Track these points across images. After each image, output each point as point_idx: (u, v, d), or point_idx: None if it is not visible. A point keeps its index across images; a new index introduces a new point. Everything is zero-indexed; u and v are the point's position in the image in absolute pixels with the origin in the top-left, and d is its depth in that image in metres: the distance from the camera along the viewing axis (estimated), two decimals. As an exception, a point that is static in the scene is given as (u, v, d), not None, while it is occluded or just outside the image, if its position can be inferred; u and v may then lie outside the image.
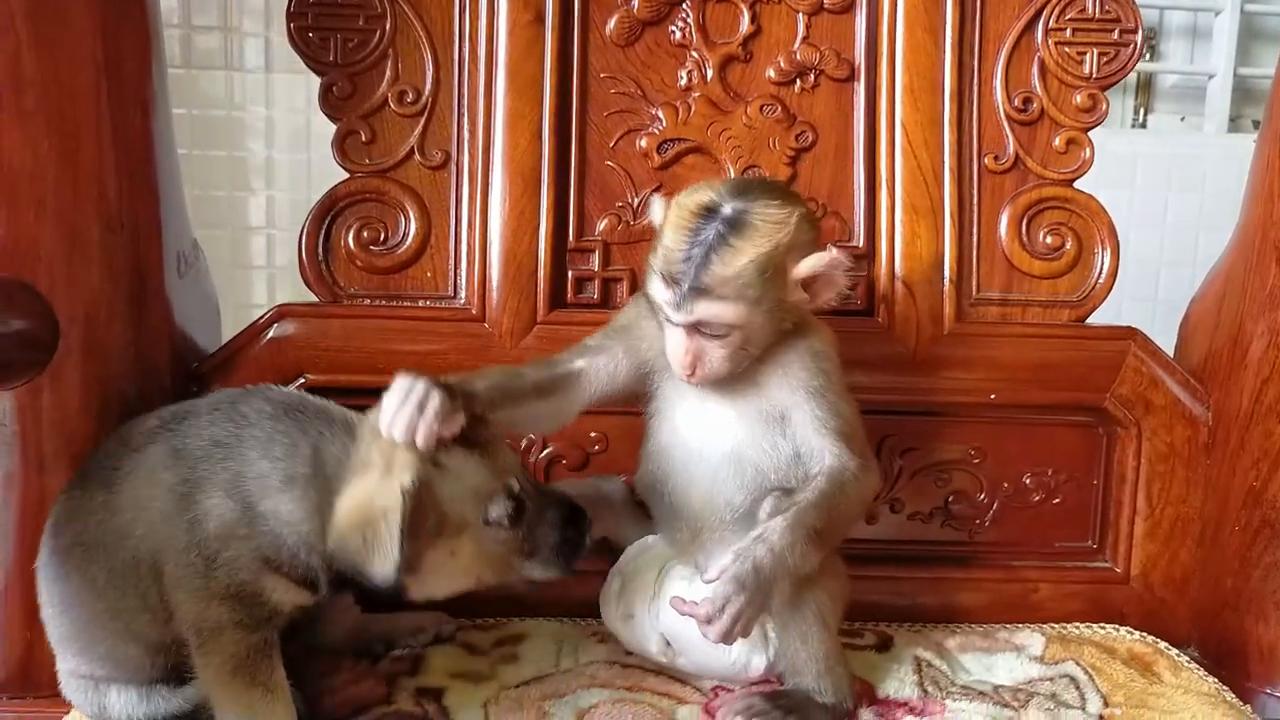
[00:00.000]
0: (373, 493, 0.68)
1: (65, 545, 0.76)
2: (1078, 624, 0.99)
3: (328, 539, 0.70)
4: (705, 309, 0.75)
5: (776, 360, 0.80)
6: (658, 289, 0.76)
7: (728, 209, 0.75)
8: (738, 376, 0.80)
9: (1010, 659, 0.90)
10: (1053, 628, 0.97)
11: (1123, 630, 0.98)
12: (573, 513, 0.77)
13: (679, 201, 0.78)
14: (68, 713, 0.81)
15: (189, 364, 0.96)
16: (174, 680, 0.77)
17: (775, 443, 0.81)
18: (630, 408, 0.89)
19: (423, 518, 0.68)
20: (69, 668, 0.79)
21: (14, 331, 0.81)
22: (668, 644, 0.84)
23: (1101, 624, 0.99)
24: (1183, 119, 1.92)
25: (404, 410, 0.69)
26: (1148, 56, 1.91)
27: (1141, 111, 2.01)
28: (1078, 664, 0.89)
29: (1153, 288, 1.90)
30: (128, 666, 0.77)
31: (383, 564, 0.67)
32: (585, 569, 0.91)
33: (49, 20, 0.80)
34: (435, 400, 0.69)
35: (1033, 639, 0.94)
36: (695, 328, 0.76)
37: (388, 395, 0.71)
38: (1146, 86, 2.01)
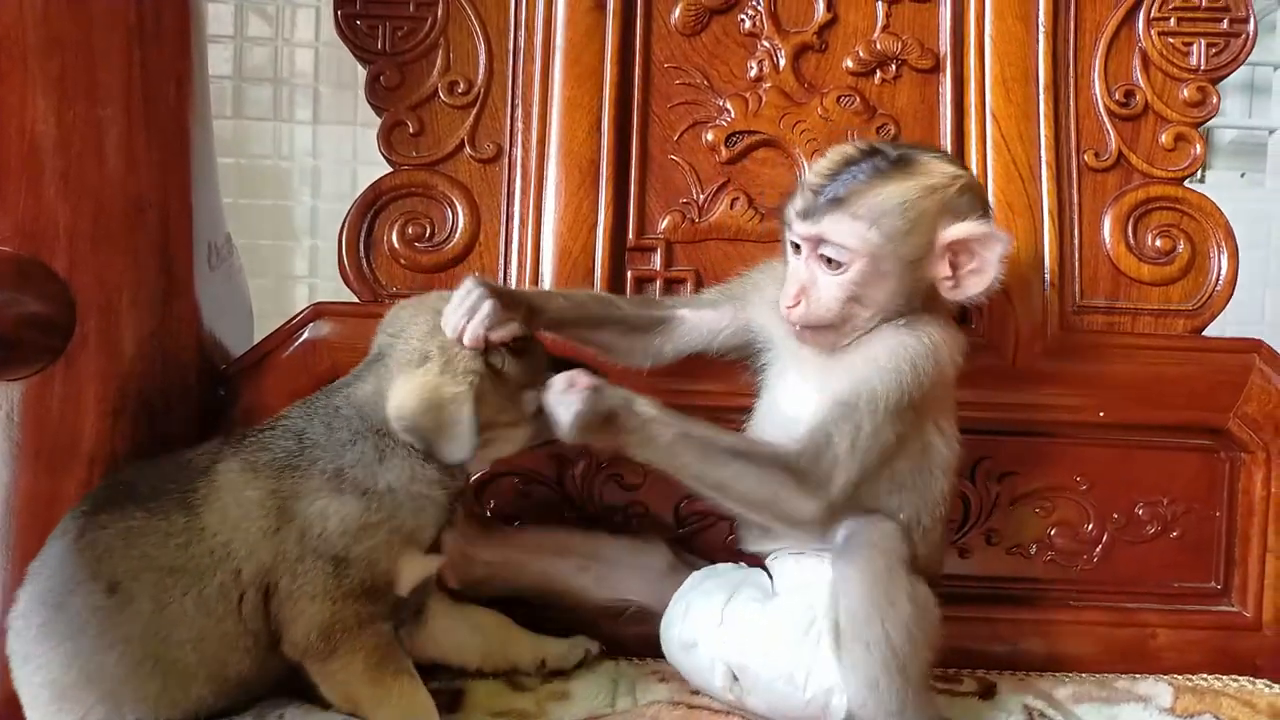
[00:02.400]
0: (437, 383, 0.71)
1: (129, 571, 0.68)
2: (1205, 675, 0.86)
3: (391, 419, 0.70)
4: (833, 223, 0.69)
5: (877, 342, 0.71)
6: (793, 202, 0.72)
7: (894, 153, 0.71)
8: (835, 355, 0.72)
9: (1136, 710, 0.78)
10: (1179, 678, 0.85)
11: (1259, 683, 0.85)
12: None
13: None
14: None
15: (217, 365, 0.89)
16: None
17: None
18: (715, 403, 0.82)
19: (480, 409, 0.71)
20: None
21: (28, 313, 0.74)
22: (734, 678, 0.74)
23: (1234, 676, 0.86)
24: (1243, 175, 1.85)
25: (457, 312, 0.72)
26: (1204, 112, 1.85)
27: (1200, 168, 1.93)
28: (1216, 718, 0.77)
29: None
30: (174, 706, 0.69)
31: (458, 449, 0.70)
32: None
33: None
34: (486, 307, 0.72)
35: (1158, 689, 0.82)
36: (816, 246, 0.70)
37: (451, 297, 0.73)
38: (1204, 142, 1.93)
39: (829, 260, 0.70)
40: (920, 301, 0.73)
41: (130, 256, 0.79)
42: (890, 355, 0.71)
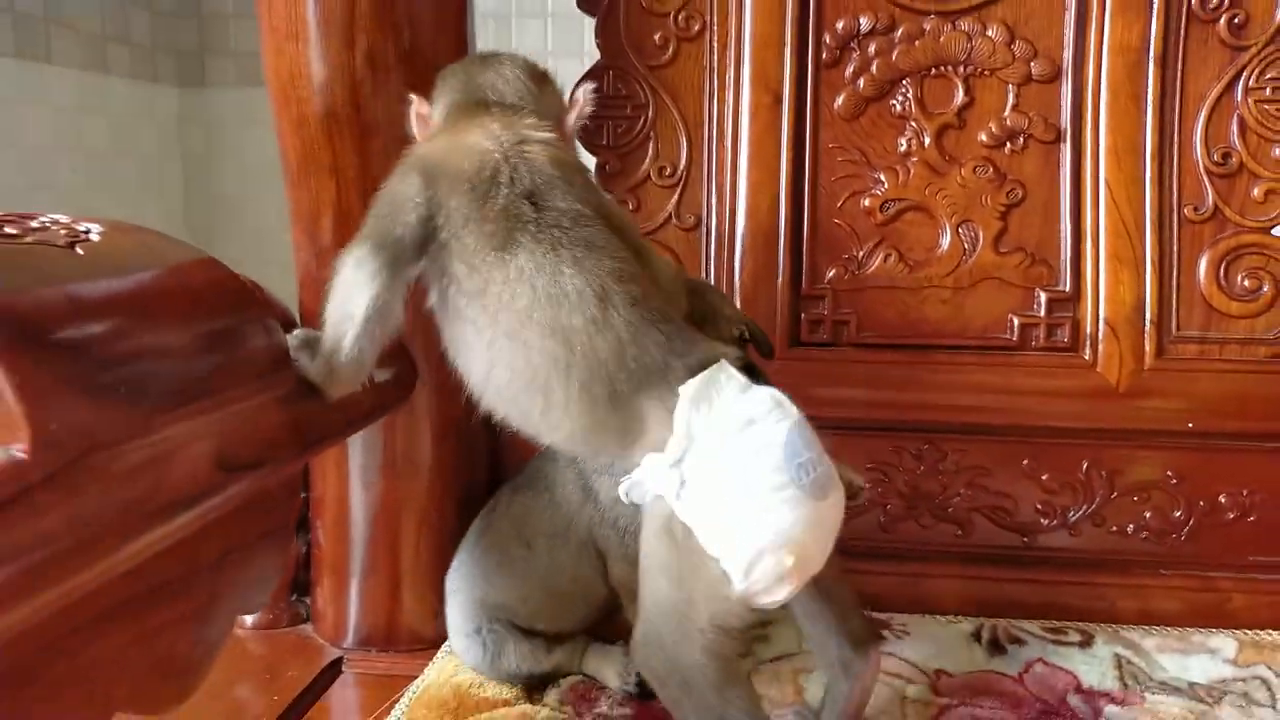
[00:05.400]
0: None
1: (533, 533, 0.97)
2: (1270, 630, 1.09)
3: None
4: None
5: None
6: None
7: None
8: None
9: (1204, 660, 1.02)
10: (1245, 633, 1.08)
11: (1315, 640, 1.07)
12: None
13: None
14: (428, 663, 1.06)
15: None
16: (556, 642, 1.00)
17: None
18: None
19: None
20: (484, 626, 1.00)
21: (392, 379, 1.06)
22: None
23: (1294, 633, 1.09)
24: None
25: None
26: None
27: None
28: (1269, 667, 1.00)
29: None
30: (562, 619, 0.98)
31: None
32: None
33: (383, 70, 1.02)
34: None
35: (1226, 643, 1.05)
36: None
37: None
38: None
39: None
40: None
41: (447, 327, 1.10)
42: None
